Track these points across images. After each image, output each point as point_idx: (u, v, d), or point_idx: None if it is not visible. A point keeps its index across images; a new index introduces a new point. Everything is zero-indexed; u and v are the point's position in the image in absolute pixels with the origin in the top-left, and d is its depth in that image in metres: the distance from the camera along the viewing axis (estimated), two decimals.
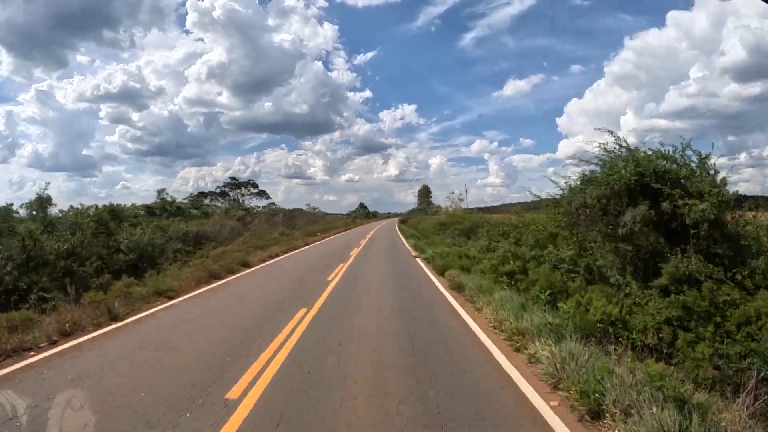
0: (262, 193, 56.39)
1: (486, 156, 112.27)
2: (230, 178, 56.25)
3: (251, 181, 57.40)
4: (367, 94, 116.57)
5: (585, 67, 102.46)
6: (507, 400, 3.80)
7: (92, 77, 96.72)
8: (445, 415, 3.44)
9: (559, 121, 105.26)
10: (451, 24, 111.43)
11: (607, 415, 3.31)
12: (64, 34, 78.85)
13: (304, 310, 7.21)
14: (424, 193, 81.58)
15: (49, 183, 21.20)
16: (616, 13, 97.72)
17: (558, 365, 4.12)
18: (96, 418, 3.38)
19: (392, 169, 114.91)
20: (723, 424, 3.15)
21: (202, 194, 52.25)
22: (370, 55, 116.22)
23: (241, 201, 53.92)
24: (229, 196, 53.76)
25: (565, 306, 6.06)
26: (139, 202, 32.21)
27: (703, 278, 5.81)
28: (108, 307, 6.71)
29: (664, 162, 7.07)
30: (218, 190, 54.18)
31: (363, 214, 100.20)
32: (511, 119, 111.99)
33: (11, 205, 15.57)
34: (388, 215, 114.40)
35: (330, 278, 10.85)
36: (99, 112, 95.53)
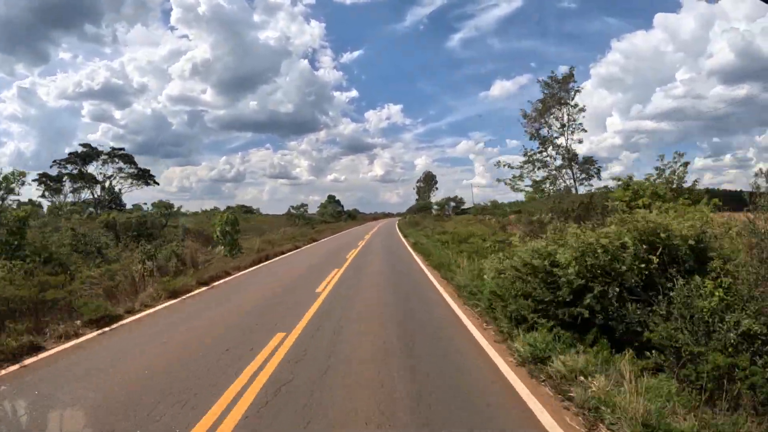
0: (144, 175, 36.27)
1: (472, 156, 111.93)
2: (80, 144, 35.10)
3: (117, 150, 35.16)
4: (353, 93, 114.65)
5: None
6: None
7: (74, 74, 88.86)
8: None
9: None
10: (438, 24, 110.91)
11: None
12: (45, 27, 71.89)
13: None
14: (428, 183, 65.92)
15: None
16: (603, 15, 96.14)
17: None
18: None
19: (378, 169, 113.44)
20: None
21: (47, 176, 33.96)
22: (356, 54, 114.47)
23: (113, 188, 35.42)
24: (92, 177, 35.17)
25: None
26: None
27: None
28: None
29: None
30: (75, 170, 34.56)
31: (329, 214, 66.73)
32: (498, 120, 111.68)
33: None
34: (374, 216, 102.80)
35: None
36: (81, 110, 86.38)
